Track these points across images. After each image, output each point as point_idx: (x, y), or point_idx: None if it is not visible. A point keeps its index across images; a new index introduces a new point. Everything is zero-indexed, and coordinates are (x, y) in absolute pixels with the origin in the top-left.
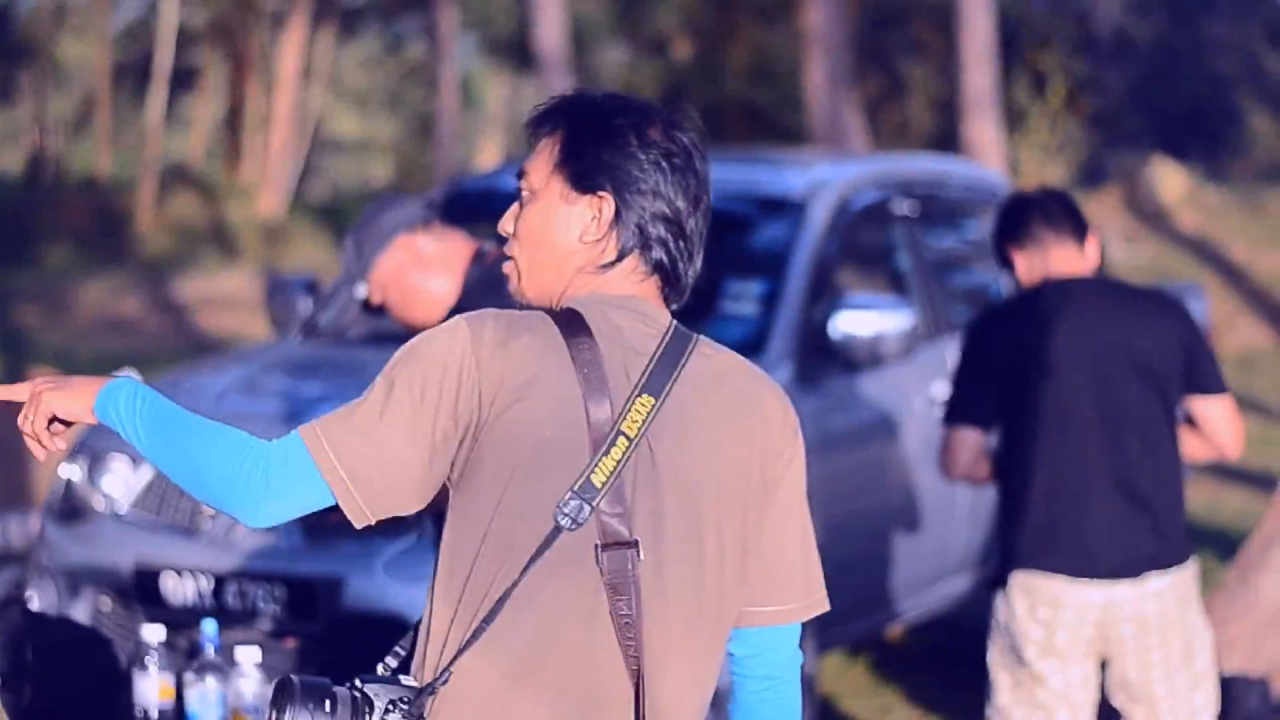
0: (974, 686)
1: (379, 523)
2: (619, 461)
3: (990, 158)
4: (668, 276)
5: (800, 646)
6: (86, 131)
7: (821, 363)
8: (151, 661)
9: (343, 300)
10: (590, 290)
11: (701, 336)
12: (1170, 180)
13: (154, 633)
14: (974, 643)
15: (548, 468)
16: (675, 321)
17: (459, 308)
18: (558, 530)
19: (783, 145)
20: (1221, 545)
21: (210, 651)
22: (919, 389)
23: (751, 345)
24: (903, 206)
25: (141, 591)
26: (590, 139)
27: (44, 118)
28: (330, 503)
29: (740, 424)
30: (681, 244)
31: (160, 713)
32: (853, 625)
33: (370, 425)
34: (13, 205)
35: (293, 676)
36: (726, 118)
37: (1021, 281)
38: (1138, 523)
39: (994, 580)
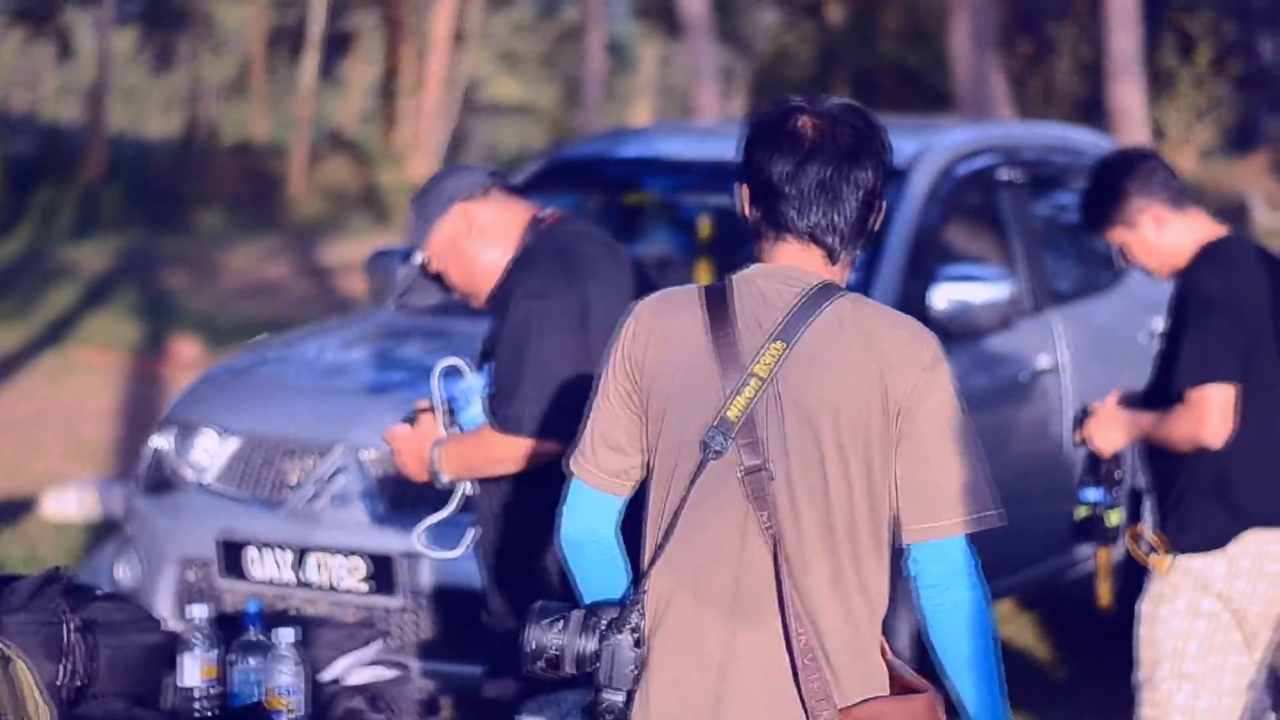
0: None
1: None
2: (750, 399)
3: (1136, 121)
4: (821, 244)
5: (974, 569)
6: (242, 96)
7: None
8: (197, 640)
9: (408, 269)
10: (758, 264)
11: (851, 293)
12: None
13: (200, 610)
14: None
15: (688, 408)
16: (824, 281)
17: (509, 273)
18: (704, 460)
19: (933, 109)
20: None
21: (253, 632)
22: (1023, 361)
23: None
24: (1010, 174)
25: (226, 564)
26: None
27: (200, 82)
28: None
29: (862, 363)
30: (810, 215)
31: (203, 692)
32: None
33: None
34: (168, 170)
35: (540, 601)
36: (879, 81)
37: (1154, 244)
38: None
39: (1198, 544)
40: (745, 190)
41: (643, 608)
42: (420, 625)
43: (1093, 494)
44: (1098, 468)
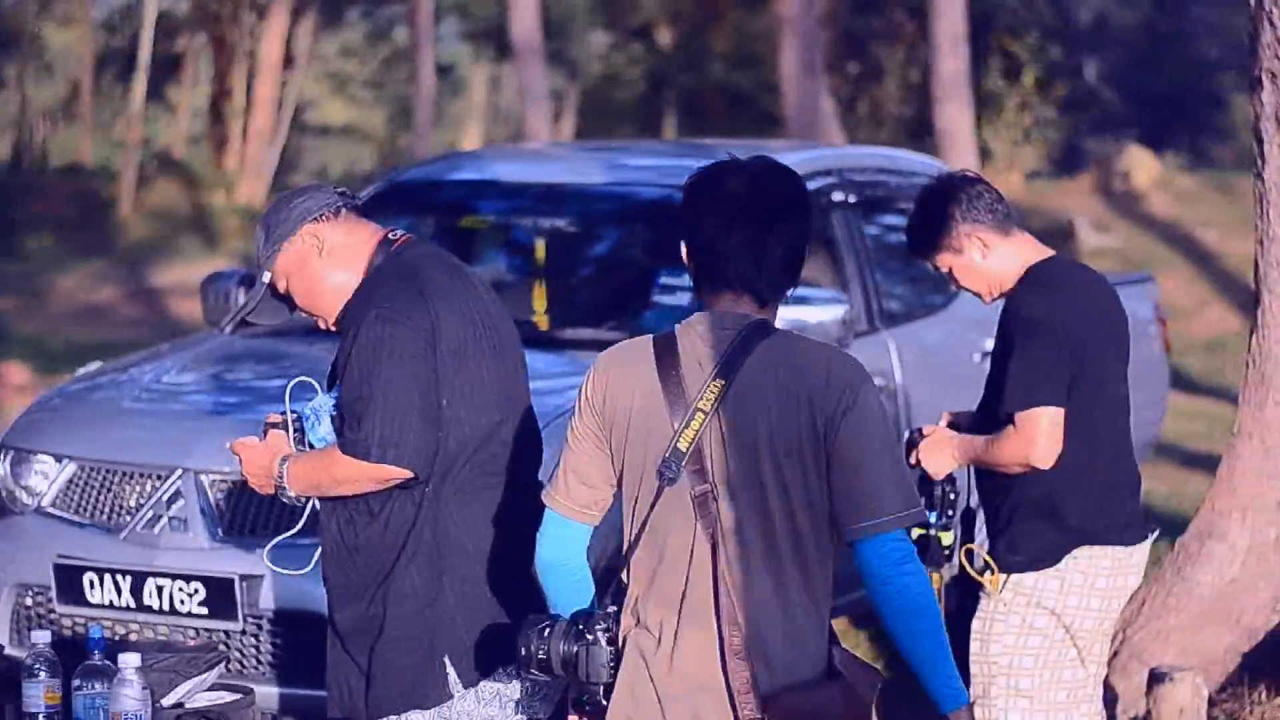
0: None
1: (280, 517)
2: (697, 431)
3: (962, 143)
4: (751, 291)
5: (912, 557)
6: (69, 119)
7: None
8: (40, 666)
9: (255, 288)
10: (700, 313)
11: (779, 330)
12: (1143, 166)
13: (43, 637)
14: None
15: (645, 441)
16: (756, 321)
17: (359, 294)
18: (661, 486)
19: (763, 131)
20: (1180, 531)
21: (97, 656)
22: None
23: None
24: (843, 196)
25: (64, 589)
26: None
27: (28, 105)
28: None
29: (792, 391)
30: (740, 267)
31: (46, 718)
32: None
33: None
34: None
35: (531, 615)
36: (708, 103)
37: (980, 268)
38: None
39: (1030, 562)
40: (684, 246)
41: (618, 613)
42: (259, 648)
43: (926, 515)
44: (930, 490)
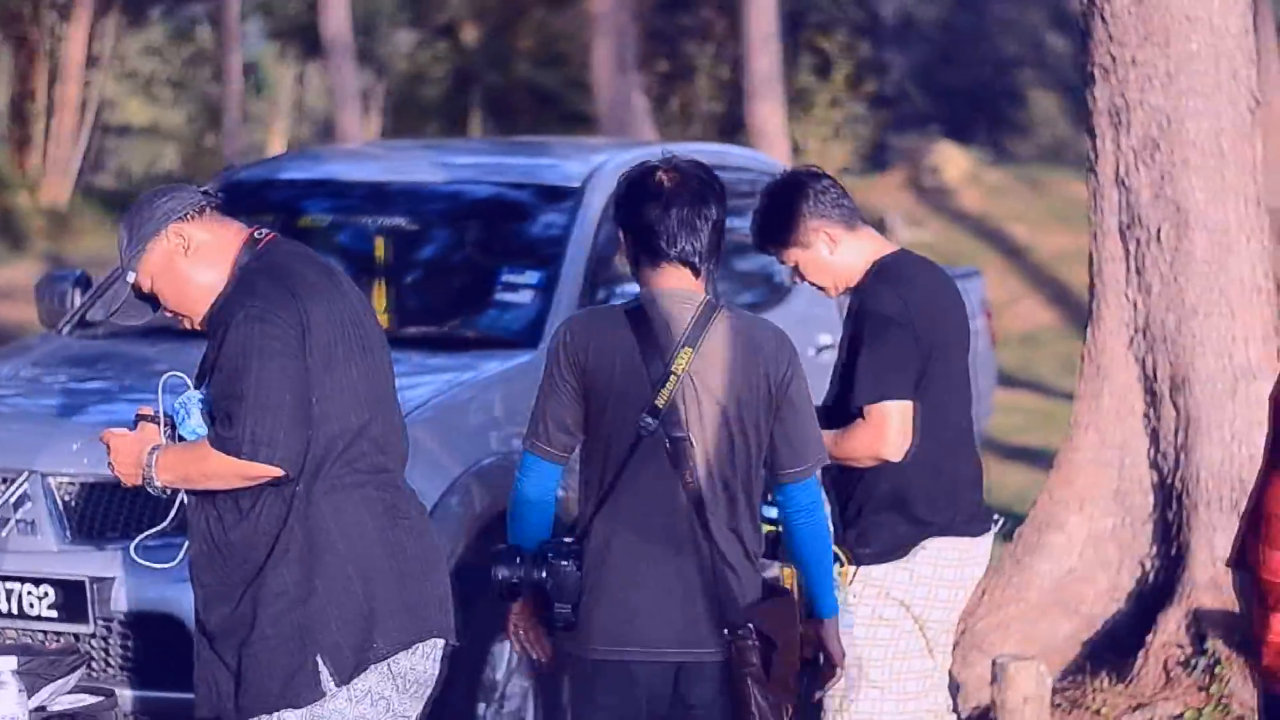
0: None
1: (142, 517)
2: (671, 390)
3: (774, 139)
4: (688, 265)
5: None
6: None
7: None
8: None
9: (117, 289)
10: (654, 289)
11: (727, 305)
12: (953, 162)
13: None
14: None
15: (625, 398)
16: (708, 300)
17: (227, 293)
18: (640, 437)
19: (571, 129)
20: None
21: None
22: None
23: (527, 335)
24: None
25: None
26: None
27: None
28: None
29: (748, 357)
30: (677, 243)
31: None
32: None
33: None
34: None
35: (498, 546)
36: (516, 102)
37: (828, 262)
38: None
39: (880, 554)
40: (623, 235)
41: (582, 545)
42: (110, 651)
43: (773, 511)
44: None
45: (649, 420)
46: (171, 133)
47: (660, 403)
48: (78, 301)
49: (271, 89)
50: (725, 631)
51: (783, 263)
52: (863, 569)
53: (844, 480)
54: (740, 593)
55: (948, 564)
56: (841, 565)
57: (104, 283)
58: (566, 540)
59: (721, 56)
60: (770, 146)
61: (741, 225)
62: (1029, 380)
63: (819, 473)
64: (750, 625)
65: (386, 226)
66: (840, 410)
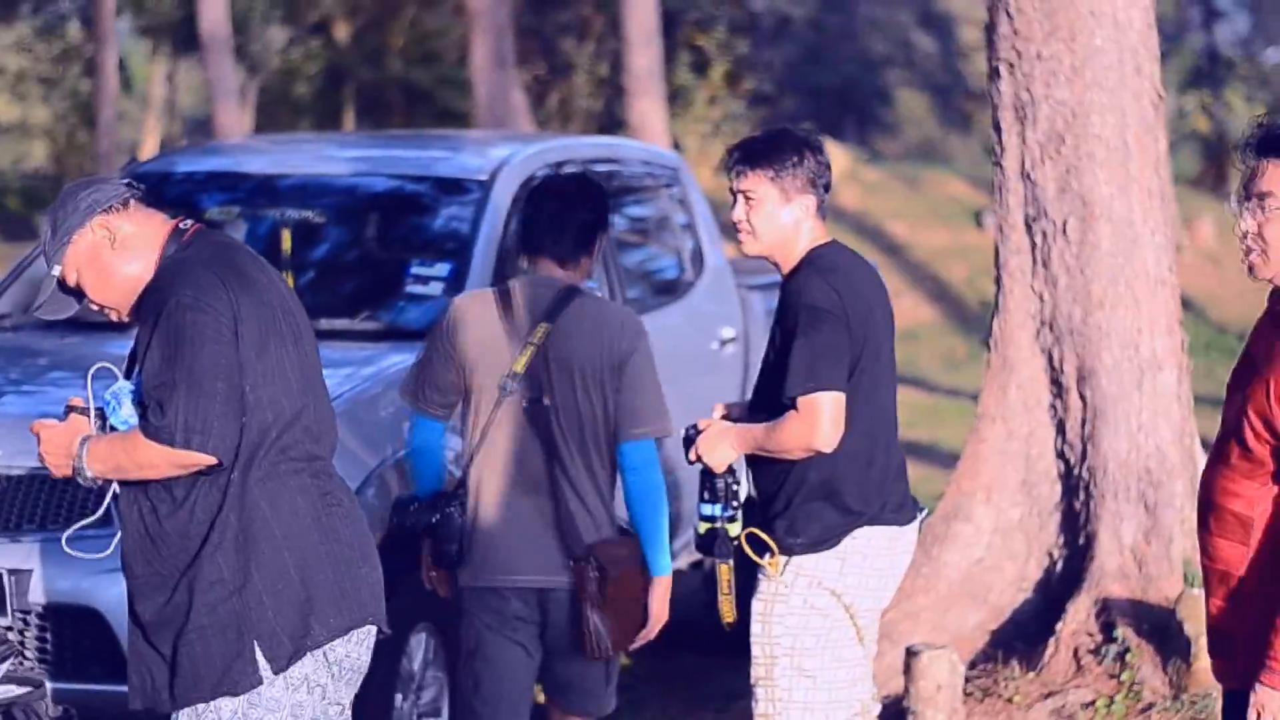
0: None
1: (60, 509)
2: (530, 358)
3: (655, 136)
4: (553, 257)
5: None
6: None
7: None
8: None
9: (40, 281)
10: (525, 275)
11: (585, 293)
12: (831, 159)
13: None
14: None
15: (490, 365)
16: (570, 285)
17: (155, 283)
18: (501, 398)
19: (445, 126)
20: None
21: None
22: None
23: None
24: None
25: None
26: None
27: None
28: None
29: (596, 334)
30: (544, 239)
31: None
32: None
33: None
34: None
35: (399, 495)
36: (389, 99)
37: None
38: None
39: (810, 544)
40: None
41: (464, 490)
42: (28, 643)
43: (710, 509)
44: (712, 482)
45: (509, 384)
46: (40, 130)
47: (519, 368)
48: None
49: (141, 87)
50: (571, 562)
51: (743, 188)
52: (794, 559)
53: (772, 471)
54: (588, 529)
55: (878, 553)
56: (772, 555)
57: (6, 278)
58: (456, 486)
59: (600, 54)
60: (651, 143)
61: (642, 215)
62: (911, 376)
63: (655, 441)
64: (591, 557)
65: (293, 219)
66: (769, 401)
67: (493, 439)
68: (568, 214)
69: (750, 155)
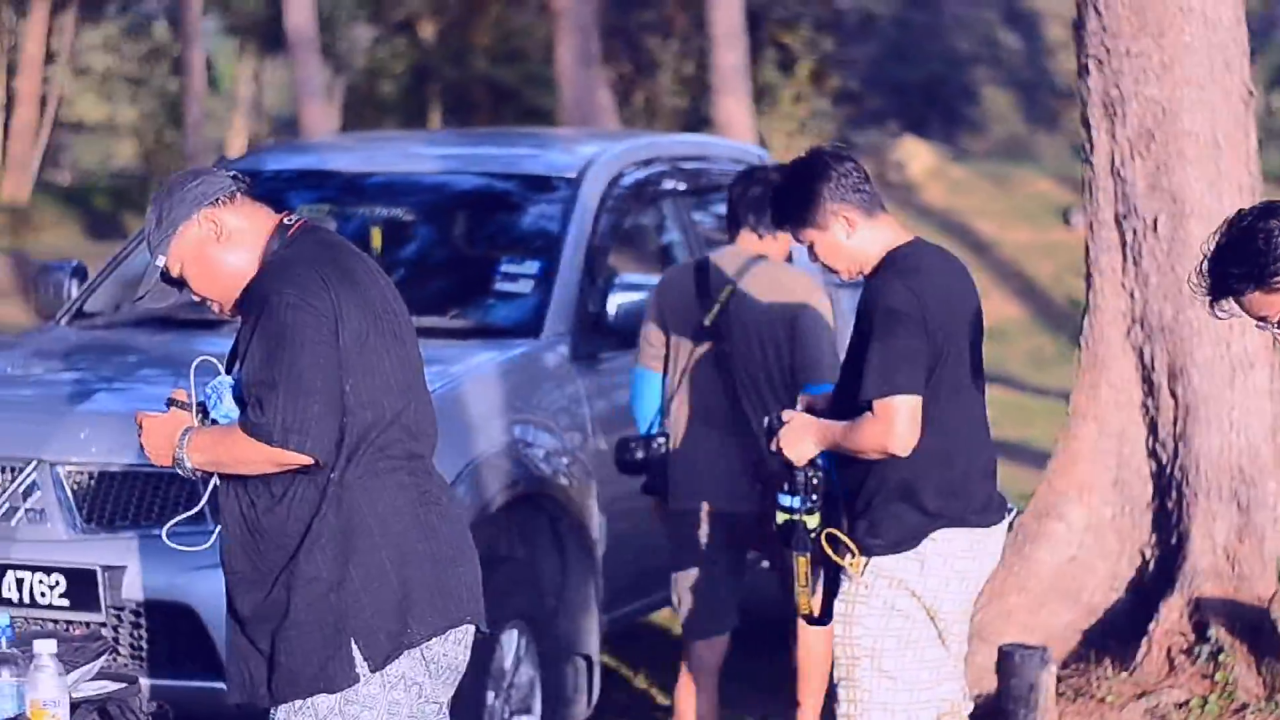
0: (751, 663)
1: (154, 504)
2: (715, 315)
3: (740, 134)
4: (750, 229)
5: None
6: None
7: (599, 341)
8: None
9: (143, 271)
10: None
11: (767, 260)
12: (917, 156)
13: None
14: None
15: (686, 322)
16: (756, 254)
17: (259, 279)
18: (694, 349)
19: (530, 124)
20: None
21: (4, 644)
22: None
23: (527, 325)
24: (673, 183)
25: None
26: None
27: None
28: None
29: (771, 294)
30: (740, 212)
31: None
32: (639, 603)
33: None
34: None
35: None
36: (474, 97)
37: (843, 246)
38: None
39: (890, 545)
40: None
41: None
42: (122, 639)
43: (789, 500)
44: (793, 475)
45: (700, 336)
46: (127, 129)
47: (707, 323)
48: (75, 292)
49: (228, 86)
50: (759, 488)
51: (798, 241)
52: (874, 560)
53: (854, 470)
54: (769, 459)
55: (959, 555)
56: (853, 556)
57: (101, 274)
58: (660, 430)
59: (685, 52)
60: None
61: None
62: (999, 375)
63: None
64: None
65: (383, 217)
66: (849, 400)
67: (687, 385)
68: (767, 193)
69: (781, 214)
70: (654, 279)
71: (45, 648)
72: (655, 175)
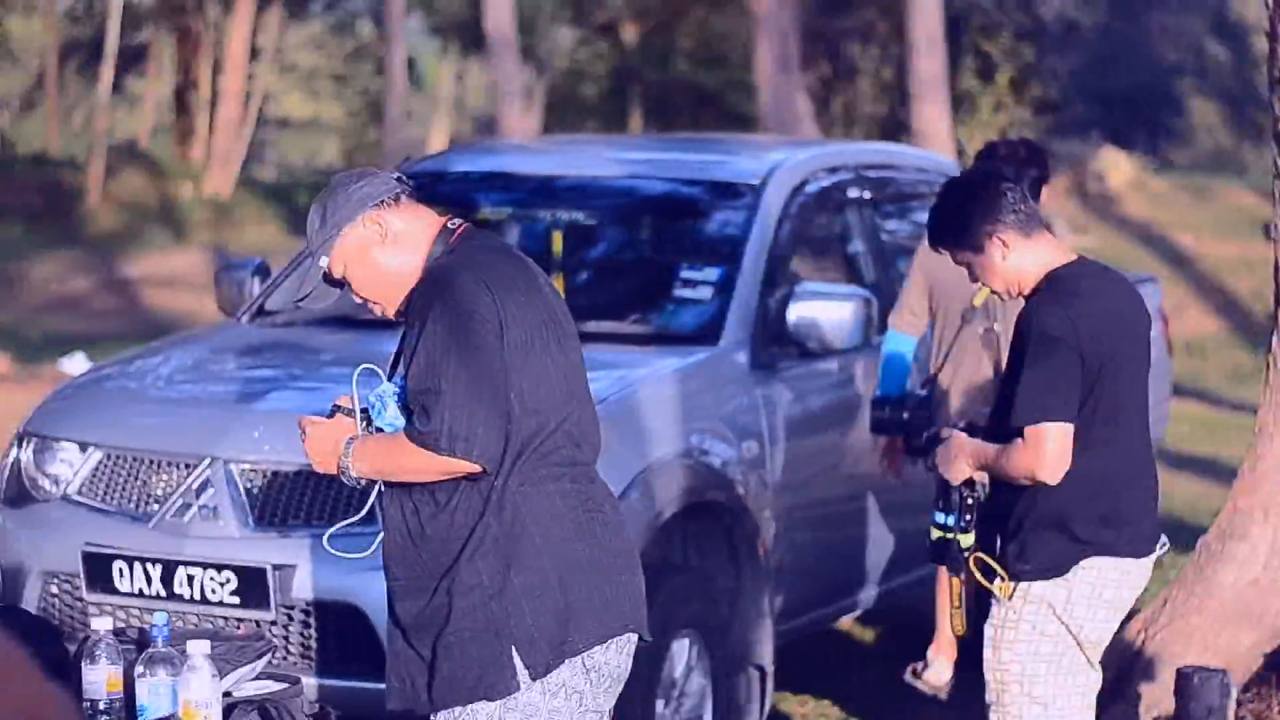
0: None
1: (325, 505)
2: (986, 295)
3: (939, 142)
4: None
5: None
6: (36, 110)
7: (777, 350)
8: (101, 653)
9: (305, 272)
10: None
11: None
12: (1118, 168)
13: (103, 623)
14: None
15: (955, 298)
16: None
17: (423, 284)
18: (962, 325)
19: (731, 129)
20: (1173, 535)
21: (160, 643)
22: (872, 378)
23: (706, 332)
24: (858, 192)
25: (91, 578)
26: None
27: None
28: None
29: None
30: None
31: (108, 705)
32: (813, 614)
33: None
34: None
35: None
36: (675, 101)
37: (1000, 267)
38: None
39: (1039, 571)
40: None
41: (933, 392)
42: (291, 639)
43: (944, 518)
44: (948, 492)
45: (969, 313)
46: (331, 126)
47: (977, 303)
48: (256, 290)
49: (431, 85)
50: None
51: (956, 263)
52: (1022, 585)
53: (1006, 493)
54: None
55: (1108, 584)
56: (1002, 580)
57: (283, 272)
58: (919, 393)
59: (885, 58)
60: (935, 149)
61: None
62: (1195, 389)
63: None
64: None
65: (564, 221)
66: (1004, 423)
67: (954, 357)
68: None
69: (937, 237)
70: (838, 288)
71: (198, 648)
72: (840, 183)
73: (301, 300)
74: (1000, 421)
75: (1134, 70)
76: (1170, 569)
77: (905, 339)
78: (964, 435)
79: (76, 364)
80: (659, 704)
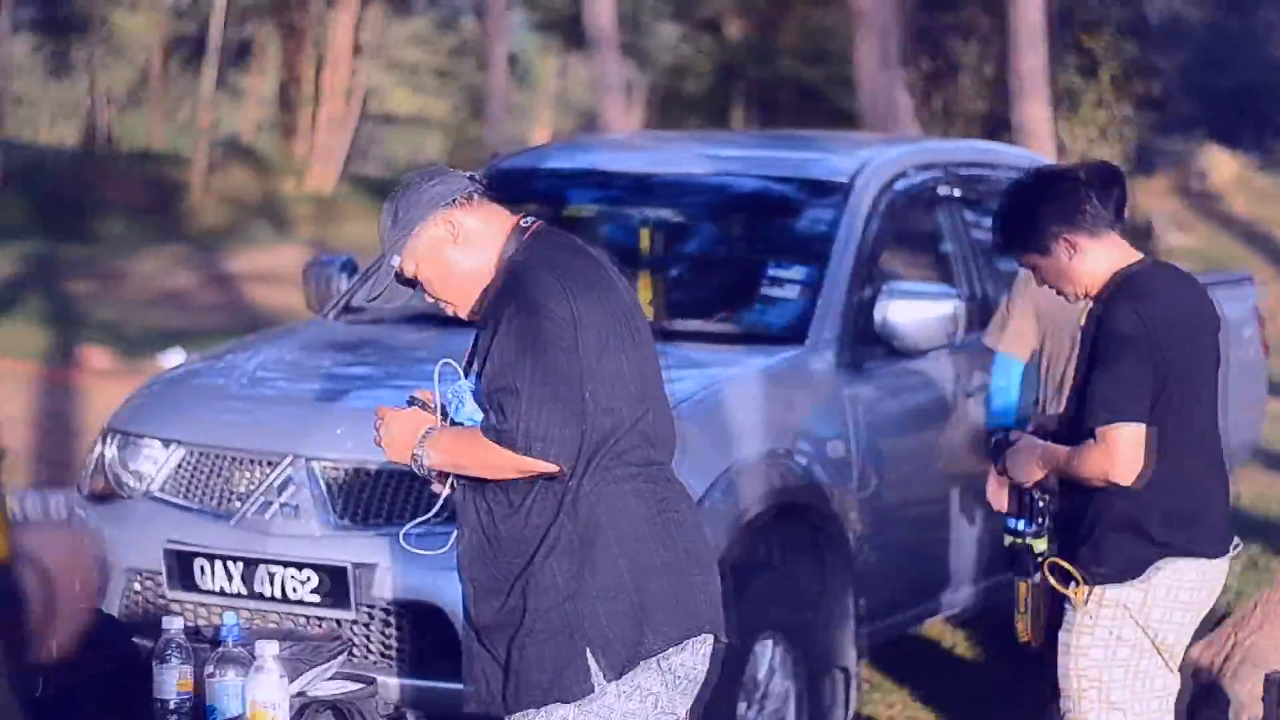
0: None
1: (406, 503)
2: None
3: (1041, 139)
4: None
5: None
6: (141, 105)
7: (866, 349)
8: (172, 652)
9: (378, 271)
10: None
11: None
12: (1222, 166)
13: (175, 623)
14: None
15: (1061, 320)
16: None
17: (497, 284)
18: (1072, 349)
19: (835, 126)
20: (1270, 537)
21: (231, 643)
22: (966, 376)
23: (793, 331)
24: (949, 190)
25: (173, 575)
26: None
27: (98, 90)
28: None
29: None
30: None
31: (178, 704)
32: (899, 616)
33: None
34: (68, 177)
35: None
36: (779, 97)
37: (1067, 269)
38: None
39: (1114, 575)
40: None
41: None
42: (371, 638)
43: (1016, 523)
44: (1021, 497)
45: (1077, 335)
46: (436, 122)
47: (1082, 322)
48: (344, 286)
49: (535, 80)
50: None
51: (1022, 265)
52: (1098, 589)
53: (1079, 496)
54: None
55: (1184, 586)
56: (1078, 585)
57: (370, 268)
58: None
59: (986, 55)
60: (1037, 147)
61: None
62: None
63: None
64: None
65: (652, 218)
66: (1076, 424)
67: (1063, 392)
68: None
69: (1003, 239)
70: (929, 287)
71: (267, 649)
72: (932, 181)
73: (374, 299)
74: (1072, 424)
75: (1240, 67)
76: (1264, 571)
77: (1013, 363)
78: (1034, 438)
79: (175, 359)
80: (741, 705)
